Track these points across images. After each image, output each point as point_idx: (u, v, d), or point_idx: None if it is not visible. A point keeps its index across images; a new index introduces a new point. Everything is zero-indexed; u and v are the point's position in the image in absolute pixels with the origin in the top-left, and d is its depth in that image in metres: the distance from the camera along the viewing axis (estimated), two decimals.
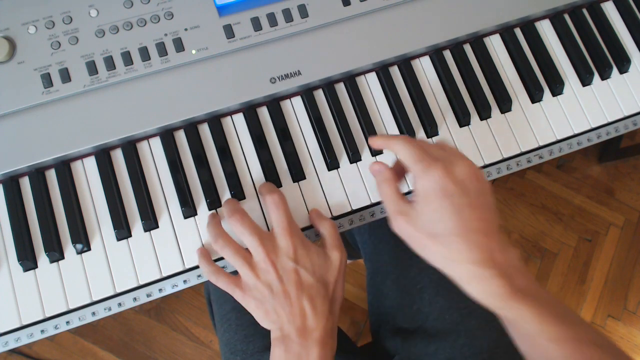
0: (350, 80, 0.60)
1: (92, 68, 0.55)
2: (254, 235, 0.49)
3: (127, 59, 0.55)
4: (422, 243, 0.45)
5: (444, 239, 0.43)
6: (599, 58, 0.62)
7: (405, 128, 0.58)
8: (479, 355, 0.61)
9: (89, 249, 0.54)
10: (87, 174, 0.56)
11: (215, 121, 0.57)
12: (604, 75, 0.62)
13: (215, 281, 0.51)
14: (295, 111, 0.59)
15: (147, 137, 0.57)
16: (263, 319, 0.49)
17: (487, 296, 0.43)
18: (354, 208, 0.57)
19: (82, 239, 0.53)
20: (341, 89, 0.60)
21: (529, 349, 0.45)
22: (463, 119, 0.59)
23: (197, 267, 0.54)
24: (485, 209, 0.44)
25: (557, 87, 0.61)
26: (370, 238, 0.75)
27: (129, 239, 0.54)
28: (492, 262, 0.42)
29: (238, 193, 0.56)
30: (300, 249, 0.49)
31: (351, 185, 0.57)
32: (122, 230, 0.54)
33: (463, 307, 0.65)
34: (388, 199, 0.48)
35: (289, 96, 0.59)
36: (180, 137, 0.57)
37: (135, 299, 0.54)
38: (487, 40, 0.63)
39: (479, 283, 0.43)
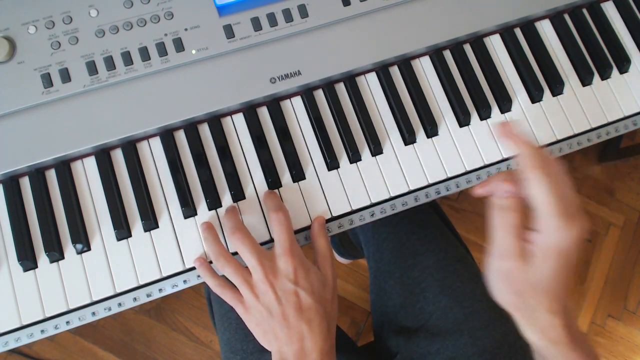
0: (350, 80, 0.60)
1: (92, 68, 0.55)
2: (254, 255, 0.49)
3: (127, 59, 0.55)
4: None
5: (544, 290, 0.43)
6: (599, 58, 0.62)
7: (405, 128, 0.58)
8: (481, 355, 0.61)
9: (89, 249, 0.54)
10: (87, 174, 0.56)
11: (215, 121, 0.57)
12: (604, 75, 0.62)
13: (220, 294, 0.51)
14: (295, 111, 0.59)
15: (147, 137, 0.57)
16: (261, 338, 0.50)
17: (548, 343, 0.43)
18: (354, 208, 0.57)
19: (82, 239, 0.53)
20: (341, 89, 0.60)
21: None
22: (463, 119, 0.59)
23: None
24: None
25: (557, 87, 0.61)
26: (373, 237, 0.75)
27: (129, 239, 0.54)
28: (562, 313, 0.43)
29: (238, 193, 0.56)
30: (300, 270, 0.49)
31: (351, 185, 0.57)
32: (122, 230, 0.54)
33: (466, 307, 0.65)
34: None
35: (289, 96, 0.59)
36: (180, 137, 0.57)
37: (135, 299, 0.54)
38: (487, 40, 0.63)
39: (546, 329, 0.43)
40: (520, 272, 0.43)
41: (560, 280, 0.42)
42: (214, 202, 0.55)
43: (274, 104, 0.58)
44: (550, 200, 0.40)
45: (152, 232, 0.55)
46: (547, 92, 0.61)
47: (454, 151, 0.59)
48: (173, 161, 0.56)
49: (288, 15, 0.58)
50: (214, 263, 0.52)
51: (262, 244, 0.55)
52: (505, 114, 0.60)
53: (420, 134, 0.59)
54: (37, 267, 0.53)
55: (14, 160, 0.53)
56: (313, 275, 0.50)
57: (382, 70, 0.60)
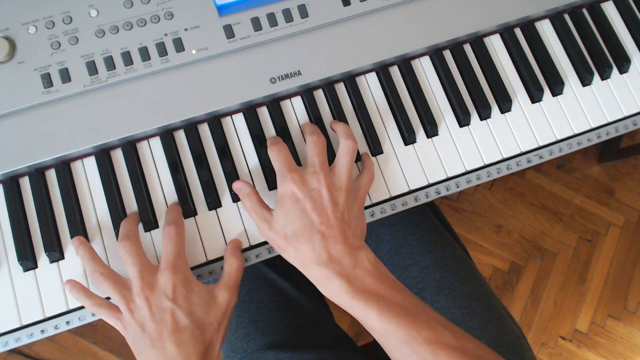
0: (350, 80, 0.60)
1: (92, 68, 0.55)
2: (136, 265, 0.47)
3: (127, 59, 0.55)
4: (279, 245, 0.48)
5: (293, 241, 0.46)
6: (599, 58, 0.62)
7: (405, 128, 0.58)
8: None
9: None
10: (87, 174, 0.56)
11: (215, 121, 0.57)
12: (604, 75, 0.62)
13: (97, 314, 0.49)
14: (295, 111, 0.59)
15: (147, 137, 0.57)
16: (137, 358, 0.47)
17: (334, 296, 0.45)
18: None
19: None
20: (341, 89, 0.60)
21: (388, 351, 0.45)
22: (463, 119, 0.59)
23: (194, 267, 0.54)
24: (332, 215, 0.46)
25: (557, 87, 0.61)
26: (371, 237, 0.75)
27: None
28: (332, 263, 0.45)
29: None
30: (180, 288, 0.46)
31: None
32: None
33: (464, 307, 0.65)
34: (251, 211, 0.50)
35: (289, 96, 0.59)
36: (180, 137, 0.57)
37: None
38: (487, 40, 0.63)
39: (324, 283, 0.45)
40: (270, 229, 0.48)
41: (299, 224, 0.45)
42: (214, 202, 0.55)
43: (274, 104, 0.58)
44: (275, 162, 0.51)
45: (152, 232, 0.55)
46: (547, 92, 0.61)
47: (454, 151, 0.59)
48: (173, 161, 0.56)
49: (288, 15, 0.58)
50: (90, 280, 0.50)
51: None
52: (505, 114, 0.60)
53: (420, 134, 0.59)
54: (37, 267, 0.53)
55: (14, 160, 0.53)
56: (196, 295, 0.47)
57: (382, 70, 0.60)
